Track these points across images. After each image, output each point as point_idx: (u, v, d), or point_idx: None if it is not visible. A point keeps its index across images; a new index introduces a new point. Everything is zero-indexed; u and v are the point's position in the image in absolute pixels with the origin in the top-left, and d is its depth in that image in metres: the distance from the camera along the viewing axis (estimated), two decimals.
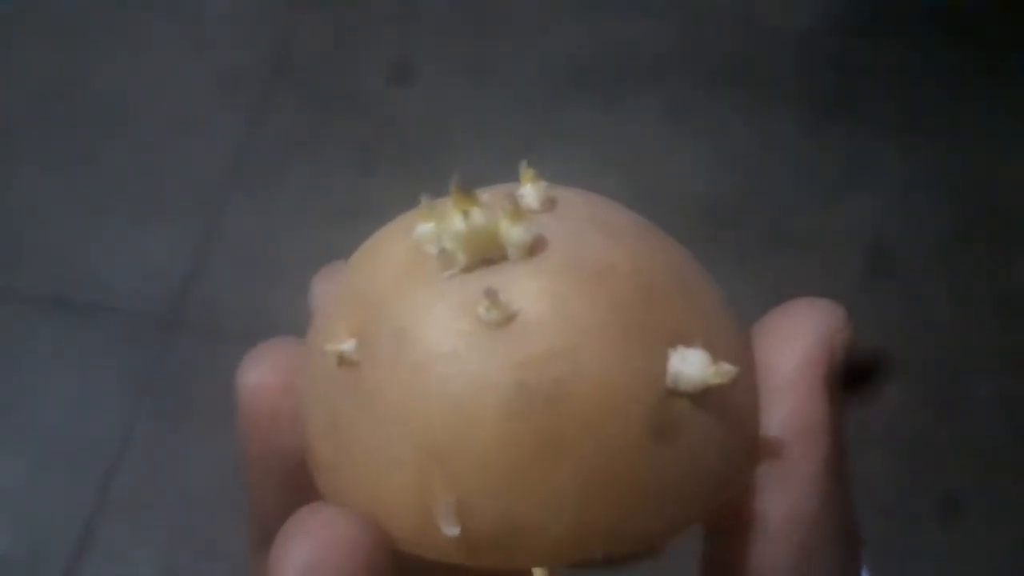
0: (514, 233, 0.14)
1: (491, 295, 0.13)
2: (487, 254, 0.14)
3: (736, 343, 0.15)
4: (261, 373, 0.16)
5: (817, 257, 0.87)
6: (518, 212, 0.14)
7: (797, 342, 0.15)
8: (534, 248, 0.14)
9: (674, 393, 0.14)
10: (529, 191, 0.15)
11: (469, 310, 0.14)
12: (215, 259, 0.84)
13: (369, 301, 0.15)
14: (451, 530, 0.13)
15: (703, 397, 0.14)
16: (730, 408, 0.14)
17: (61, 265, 0.84)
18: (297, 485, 0.16)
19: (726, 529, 0.15)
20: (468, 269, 0.14)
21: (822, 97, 0.96)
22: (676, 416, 0.14)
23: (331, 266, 0.17)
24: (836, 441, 0.15)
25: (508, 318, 0.13)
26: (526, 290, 0.14)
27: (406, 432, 0.13)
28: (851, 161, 0.93)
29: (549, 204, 0.15)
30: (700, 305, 0.15)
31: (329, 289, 0.17)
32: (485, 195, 0.15)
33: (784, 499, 0.14)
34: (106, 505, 0.73)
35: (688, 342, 0.14)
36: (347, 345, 0.14)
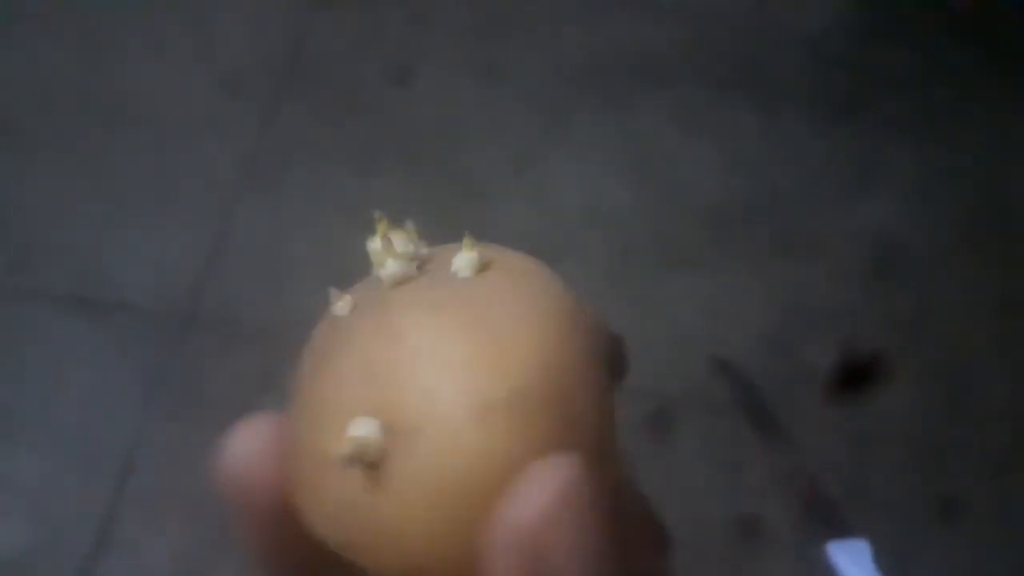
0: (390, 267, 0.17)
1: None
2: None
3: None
4: (241, 450, 0.17)
5: (828, 259, 0.87)
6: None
7: (515, 519, 0.15)
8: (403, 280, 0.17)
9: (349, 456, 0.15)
10: (463, 258, 0.17)
11: None
12: (228, 257, 0.85)
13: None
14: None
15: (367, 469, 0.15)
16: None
17: (76, 264, 0.85)
18: (281, 538, 0.18)
19: None
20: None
21: (832, 100, 0.97)
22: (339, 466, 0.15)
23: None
24: None
25: None
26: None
27: None
28: (862, 164, 0.93)
29: (482, 267, 0.17)
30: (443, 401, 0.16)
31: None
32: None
33: None
34: (122, 501, 0.74)
35: (394, 419, 0.15)
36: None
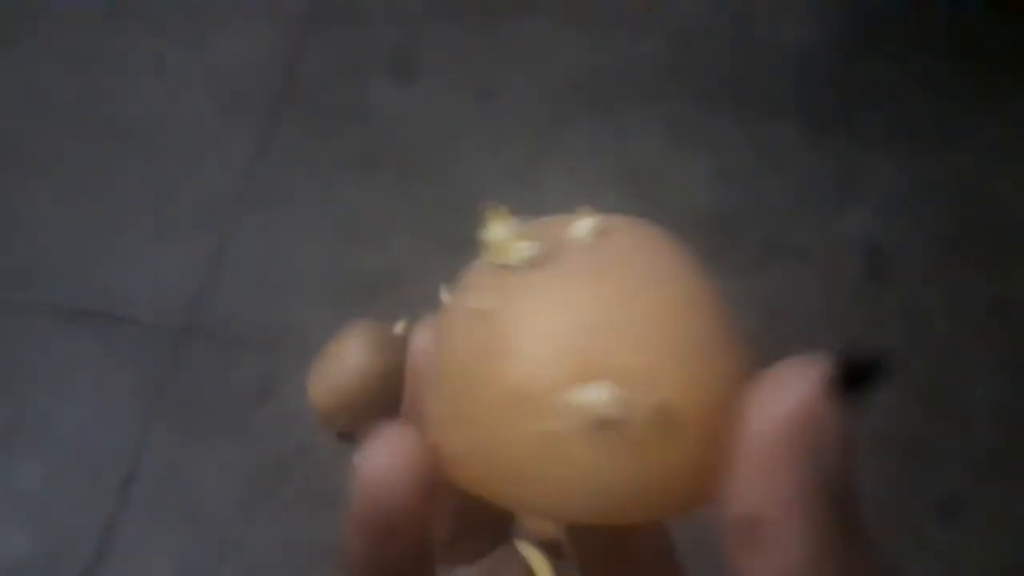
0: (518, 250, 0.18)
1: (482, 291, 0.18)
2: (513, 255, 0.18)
3: (698, 385, 0.16)
4: (381, 461, 0.17)
5: (815, 267, 0.88)
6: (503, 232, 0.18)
7: (778, 409, 0.15)
8: (538, 261, 0.17)
9: (594, 422, 0.16)
10: (584, 223, 0.18)
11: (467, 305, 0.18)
12: (227, 272, 0.86)
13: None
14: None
15: (600, 427, 0.16)
16: (655, 446, 0.16)
17: (79, 279, 0.86)
18: (392, 550, 0.17)
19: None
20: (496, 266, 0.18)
21: (818, 112, 0.98)
22: (581, 436, 0.16)
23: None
24: (821, 509, 0.14)
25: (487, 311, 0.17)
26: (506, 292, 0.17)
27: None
28: (847, 174, 0.95)
29: (601, 235, 0.18)
30: (658, 349, 0.16)
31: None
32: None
33: (770, 564, 0.15)
34: (123, 510, 0.74)
35: (623, 378, 0.16)
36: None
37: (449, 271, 0.20)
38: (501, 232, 0.18)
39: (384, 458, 0.16)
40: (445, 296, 0.19)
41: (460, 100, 0.98)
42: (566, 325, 0.16)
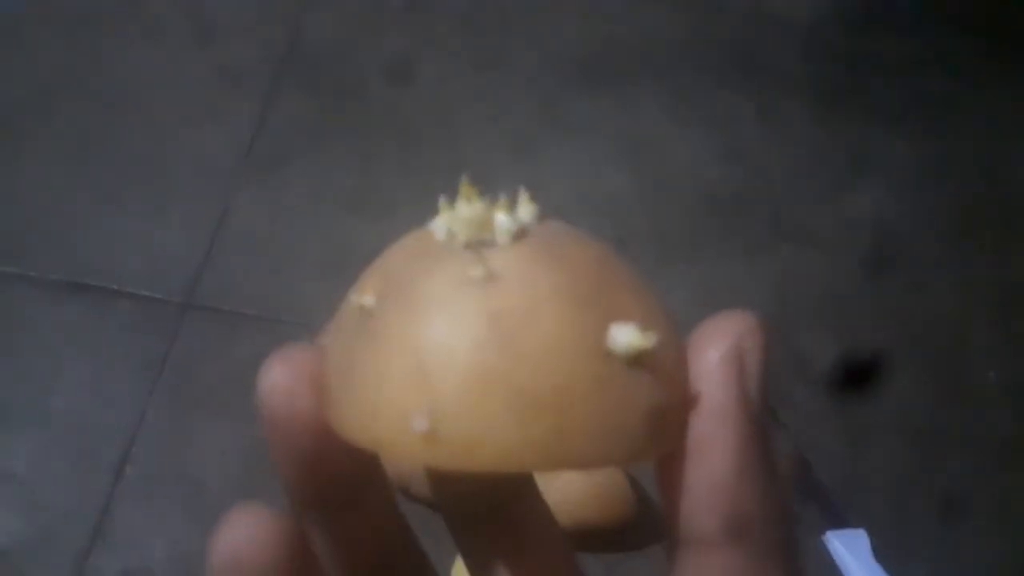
0: (504, 221, 0.18)
1: (478, 255, 0.17)
2: (482, 236, 0.18)
3: (668, 331, 0.18)
4: (278, 375, 0.18)
5: (823, 247, 0.87)
6: (509, 206, 0.18)
7: (713, 345, 0.17)
8: (518, 236, 0.18)
9: (611, 353, 0.17)
10: (526, 207, 0.19)
11: (461, 271, 0.17)
12: (226, 246, 0.85)
13: (389, 270, 0.18)
14: (420, 426, 0.16)
15: (635, 362, 0.17)
16: (658, 376, 0.17)
17: (74, 252, 0.84)
18: (313, 463, 0.19)
19: (668, 487, 0.18)
20: (467, 246, 0.18)
21: (829, 88, 0.97)
22: (610, 370, 0.17)
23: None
24: (749, 428, 0.17)
25: (489, 276, 0.17)
26: (506, 261, 0.17)
27: (400, 354, 0.17)
28: (857, 151, 0.93)
29: (538, 219, 0.19)
30: (641, 302, 0.18)
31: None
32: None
33: (703, 469, 0.17)
34: (119, 490, 0.74)
35: (625, 321, 0.17)
36: (367, 299, 0.18)
37: None
38: (477, 208, 0.18)
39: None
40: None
41: (464, 72, 0.97)
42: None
